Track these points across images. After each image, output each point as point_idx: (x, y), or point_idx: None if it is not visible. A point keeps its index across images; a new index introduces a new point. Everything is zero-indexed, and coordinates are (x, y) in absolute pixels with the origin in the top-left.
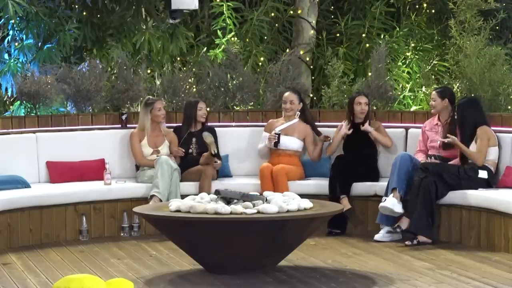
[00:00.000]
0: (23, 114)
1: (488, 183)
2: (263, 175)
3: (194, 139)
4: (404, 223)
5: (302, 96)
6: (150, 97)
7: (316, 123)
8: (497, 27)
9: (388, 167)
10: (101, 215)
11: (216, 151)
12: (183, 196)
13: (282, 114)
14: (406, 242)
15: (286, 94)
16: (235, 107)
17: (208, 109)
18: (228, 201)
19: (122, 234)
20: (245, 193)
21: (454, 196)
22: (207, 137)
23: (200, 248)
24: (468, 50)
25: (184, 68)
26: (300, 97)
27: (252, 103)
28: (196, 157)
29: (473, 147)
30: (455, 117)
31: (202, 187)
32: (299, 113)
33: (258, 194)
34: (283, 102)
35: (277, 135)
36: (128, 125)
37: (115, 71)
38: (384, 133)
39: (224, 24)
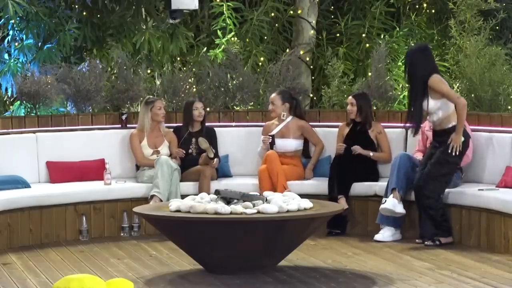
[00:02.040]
0: (23, 114)
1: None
2: (261, 176)
3: (193, 139)
4: (443, 239)
5: (301, 95)
6: (151, 96)
7: (313, 123)
8: (497, 27)
9: (388, 167)
10: (101, 215)
11: (213, 155)
12: (183, 196)
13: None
14: (426, 243)
15: (271, 96)
16: (235, 107)
17: (208, 109)
18: (228, 201)
19: (122, 234)
20: (245, 193)
21: (454, 196)
22: (203, 143)
23: (200, 248)
24: (468, 50)
25: (184, 68)
26: (285, 97)
27: (252, 103)
28: (196, 157)
29: (432, 103)
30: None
31: (201, 187)
32: (285, 114)
33: (258, 194)
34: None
35: (270, 137)
36: (128, 125)
37: (115, 71)
38: (384, 141)
39: (224, 24)
